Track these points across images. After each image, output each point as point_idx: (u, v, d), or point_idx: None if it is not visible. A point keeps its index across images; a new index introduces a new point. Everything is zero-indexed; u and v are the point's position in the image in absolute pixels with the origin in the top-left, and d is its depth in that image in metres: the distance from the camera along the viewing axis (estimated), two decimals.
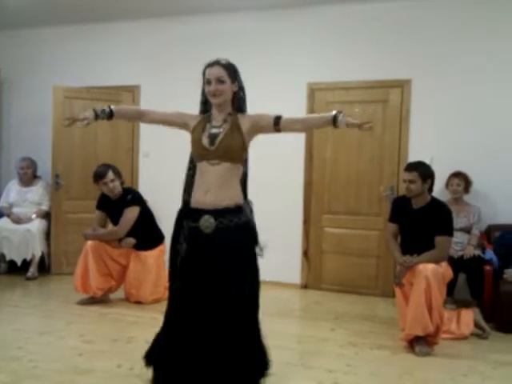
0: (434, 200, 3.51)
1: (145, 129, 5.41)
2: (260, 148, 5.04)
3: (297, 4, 4.92)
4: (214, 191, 2.30)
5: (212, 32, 5.19)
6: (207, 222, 2.28)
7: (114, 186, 4.21)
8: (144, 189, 5.25)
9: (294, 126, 2.41)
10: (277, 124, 2.36)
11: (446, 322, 3.40)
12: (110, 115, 2.56)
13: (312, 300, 4.66)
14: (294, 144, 5.01)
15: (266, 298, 4.58)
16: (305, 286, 5.06)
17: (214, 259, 2.26)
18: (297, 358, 3.05)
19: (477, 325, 3.62)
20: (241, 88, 2.44)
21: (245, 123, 2.37)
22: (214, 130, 2.34)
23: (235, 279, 2.25)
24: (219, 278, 2.24)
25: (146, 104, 5.46)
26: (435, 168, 3.61)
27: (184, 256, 2.31)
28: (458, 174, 4.32)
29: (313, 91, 5.00)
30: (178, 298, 2.32)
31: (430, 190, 3.51)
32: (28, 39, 5.93)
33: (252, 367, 2.31)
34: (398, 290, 3.47)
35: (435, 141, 4.63)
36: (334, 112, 2.27)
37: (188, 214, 2.36)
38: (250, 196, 5.43)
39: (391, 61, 4.77)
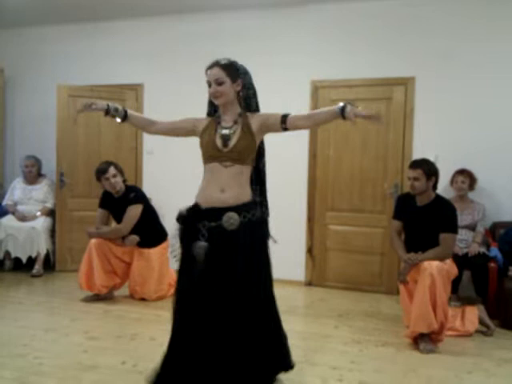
0: (439, 197, 3.50)
1: None
2: (264, 146, 5.09)
3: (300, 2, 4.92)
4: (230, 189, 2.29)
5: (215, 30, 5.19)
6: (231, 219, 2.25)
7: (115, 182, 4.21)
8: (148, 187, 5.27)
9: (302, 122, 2.35)
10: (284, 122, 2.33)
11: (450, 320, 3.39)
12: (124, 117, 2.51)
13: (316, 297, 4.66)
14: (297, 142, 5.01)
15: None
16: (309, 283, 5.06)
17: (239, 254, 2.24)
18: (301, 354, 3.05)
19: (481, 322, 3.61)
20: (246, 86, 2.40)
21: (254, 123, 2.35)
22: (225, 131, 2.32)
23: (262, 274, 2.29)
24: (244, 273, 2.23)
25: (149, 102, 5.48)
26: (440, 165, 3.61)
27: (208, 256, 2.24)
28: (462, 172, 4.31)
29: (316, 89, 4.99)
30: (194, 298, 2.25)
31: (435, 187, 3.50)
32: (31, 38, 5.94)
33: (271, 364, 2.35)
34: (402, 288, 3.47)
35: (439, 138, 4.62)
36: (341, 104, 2.23)
37: (203, 215, 2.30)
38: None
39: (395, 58, 4.76)
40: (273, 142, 5.02)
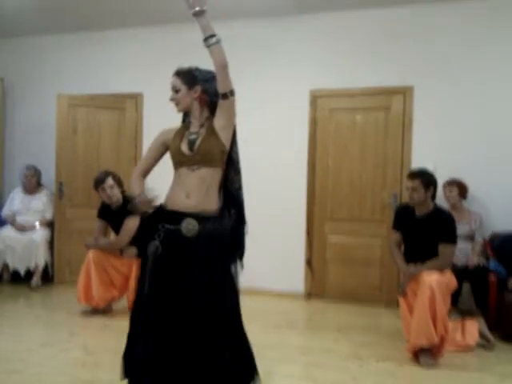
0: (437, 208, 3.49)
1: (147, 137, 5.41)
2: (263, 155, 5.09)
3: (299, 11, 4.92)
4: (195, 196, 2.28)
5: None
6: (190, 225, 2.23)
7: (112, 193, 4.18)
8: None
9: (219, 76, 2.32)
10: (222, 96, 2.30)
11: (450, 333, 3.36)
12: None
13: (316, 310, 4.64)
14: (296, 151, 5.01)
15: (269, 308, 4.63)
16: (308, 296, 5.03)
17: (195, 266, 2.21)
18: (301, 370, 3.03)
19: (482, 335, 3.59)
20: (208, 92, 2.38)
21: (216, 121, 2.35)
22: (192, 136, 2.35)
23: (215, 288, 2.22)
24: (198, 286, 2.19)
25: (148, 111, 5.47)
26: (438, 175, 3.60)
27: (157, 259, 2.25)
28: (449, 182, 4.32)
29: (315, 98, 4.99)
30: (147, 304, 2.24)
31: (433, 197, 3.49)
32: (32, 47, 5.95)
33: (237, 377, 2.26)
34: (402, 301, 3.44)
35: (438, 148, 4.62)
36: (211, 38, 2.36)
37: (165, 216, 2.30)
38: (252, 205, 5.40)
39: (393, 68, 4.76)
40: (271, 152, 5.06)
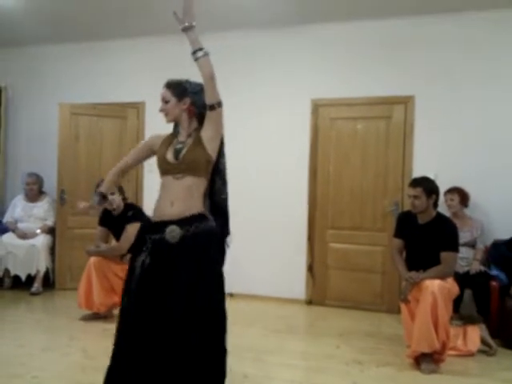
0: (440, 215, 3.50)
1: None
2: (265, 163, 5.12)
3: (300, 21, 4.98)
4: (179, 203, 2.33)
5: (216, 49, 5.15)
6: (173, 232, 2.29)
7: (112, 200, 4.20)
8: (148, 205, 5.21)
9: (207, 87, 2.34)
10: (209, 108, 2.35)
11: (452, 339, 3.36)
12: (104, 197, 2.64)
13: (317, 316, 4.63)
14: (298, 159, 5.04)
15: (270, 313, 4.62)
16: (309, 302, 5.03)
17: (179, 267, 2.26)
18: (302, 375, 3.02)
19: (483, 341, 3.58)
20: (196, 104, 2.44)
21: (205, 133, 2.39)
22: (179, 146, 2.40)
23: (200, 288, 2.25)
24: (184, 287, 2.23)
25: (150, 120, 5.49)
26: (439, 184, 3.61)
27: (145, 269, 2.29)
28: (450, 190, 4.34)
29: (317, 107, 5.03)
30: (134, 314, 2.28)
31: (435, 205, 3.50)
32: (34, 57, 6.01)
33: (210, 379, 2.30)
34: (403, 307, 3.44)
35: (439, 156, 4.64)
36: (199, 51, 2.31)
37: (151, 228, 2.38)
38: (254, 211, 5.43)
39: (394, 77, 4.80)
40: (273, 160, 5.09)
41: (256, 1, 4.55)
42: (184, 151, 2.36)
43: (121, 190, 4.32)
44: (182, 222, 2.30)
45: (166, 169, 2.39)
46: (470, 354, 3.48)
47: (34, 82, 6.00)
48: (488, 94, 4.54)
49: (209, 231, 2.36)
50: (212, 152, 2.39)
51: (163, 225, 2.31)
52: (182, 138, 2.44)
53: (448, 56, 4.64)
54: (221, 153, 2.49)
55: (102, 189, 2.60)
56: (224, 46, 5.24)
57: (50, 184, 5.50)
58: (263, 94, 5.17)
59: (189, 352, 2.21)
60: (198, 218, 2.34)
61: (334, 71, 5.00)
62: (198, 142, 2.37)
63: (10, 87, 5.96)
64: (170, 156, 2.39)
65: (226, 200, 2.52)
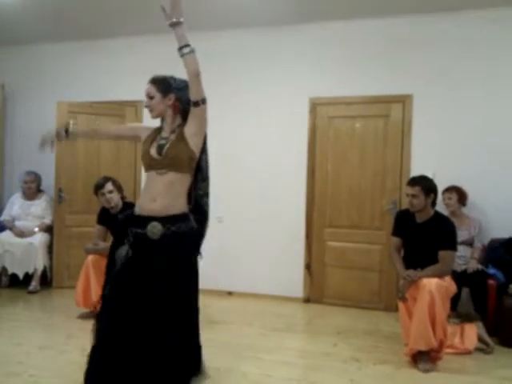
0: (438, 214, 3.50)
1: None
2: (263, 162, 5.12)
3: (298, 20, 4.97)
4: (161, 199, 2.38)
5: (214, 48, 5.24)
6: (155, 229, 2.34)
7: (110, 198, 4.21)
8: None
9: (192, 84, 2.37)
10: (193, 104, 2.37)
11: (449, 337, 3.36)
12: (66, 131, 2.74)
13: (314, 314, 4.63)
14: (296, 158, 5.04)
15: (267, 311, 4.62)
16: (307, 300, 5.03)
17: (157, 264, 2.32)
18: (300, 373, 3.02)
19: (481, 339, 3.58)
20: (181, 100, 2.47)
21: (188, 129, 2.42)
22: (162, 141, 2.44)
23: (176, 284, 2.33)
24: (160, 283, 2.30)
25: (148, 118, 5.45)
26: (437, 183, 3.61)
27: (126, 261, 2.36)
28: (448, 189, 4.35)
29: (315, 106, 5.03)
30: (114, 304, 2.36)
31: (433, 204, 3.51)
32: (32, 55, 6.00)
33: (185, 369, 2.39)
34: (401, 305, 3.45)
35: (437, 155, 4.64)
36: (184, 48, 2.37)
37: (134, 221, 2.42)
38: (252, 210, 5.43)
39: (393, 76, 4.80)
40: (271, 159, 5.09)
41: (255, 0, 4.54)
42: (167, 147, 2.40)
43: (119, 189, 4.31)
44: (164, 220, 2.35)
45: (149, 164, 2.43)
46: (468, 352, 3.49)
47: (33, 80, 5.98)
48: (486, 93, 4.55)
49: (189, 232, 2.42)
50: (195, 148, 2.42)
51: (145, 220, 2.37)
52: (165, 133, 2.48)
53: (446, 55, 4.65)
54: (203, 150, 2.52)
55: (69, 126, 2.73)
56: (223, 45, 5.25)
57: (48, 182, 5.49)
58: (262, 93, 5.17)
59: (163, 339, 2.29)
60: (180, 218, 2.40)
61: (333, 70, 5.00)
62: (181, 137, 2.40)
63: (8, 85, 5.93)
64: (153, 151, 2.43)
65: (203, 196, 2.56)
